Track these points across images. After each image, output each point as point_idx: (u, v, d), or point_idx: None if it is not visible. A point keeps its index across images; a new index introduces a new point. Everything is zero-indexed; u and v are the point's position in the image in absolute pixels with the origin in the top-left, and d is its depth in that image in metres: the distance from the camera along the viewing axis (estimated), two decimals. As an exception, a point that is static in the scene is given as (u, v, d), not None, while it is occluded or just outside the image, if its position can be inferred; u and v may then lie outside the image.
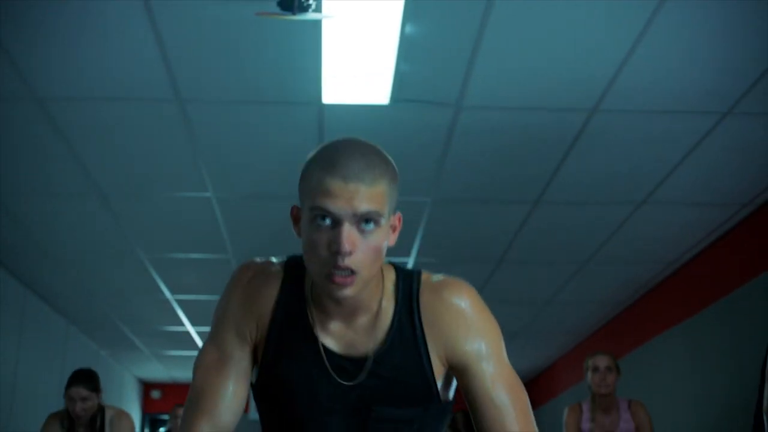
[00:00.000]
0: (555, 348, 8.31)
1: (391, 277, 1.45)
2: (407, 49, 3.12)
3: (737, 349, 4.65)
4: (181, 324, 7.24)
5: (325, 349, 1.42)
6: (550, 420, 9.03)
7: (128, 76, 3.30)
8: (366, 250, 1.29)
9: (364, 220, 1.28)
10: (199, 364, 1.48)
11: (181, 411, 6.47)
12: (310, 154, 1.36)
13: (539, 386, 9.61)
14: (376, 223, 1.29)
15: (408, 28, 2.98)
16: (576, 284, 5.98)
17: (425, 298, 1.42)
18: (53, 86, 3.35)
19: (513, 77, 3.33)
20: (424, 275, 1.46)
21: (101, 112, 3.56)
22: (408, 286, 1.43)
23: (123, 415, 4.34)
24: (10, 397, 5.80)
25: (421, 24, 2.97)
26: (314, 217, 1.28)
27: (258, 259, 1.52)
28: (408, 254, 5.32)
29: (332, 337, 1.43)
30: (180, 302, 6.54)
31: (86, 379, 4.15)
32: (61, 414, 4.32)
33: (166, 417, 10.00)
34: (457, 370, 1.42)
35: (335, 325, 1.42)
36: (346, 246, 1.26)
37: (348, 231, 1.26)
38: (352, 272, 1.28)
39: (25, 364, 6.07)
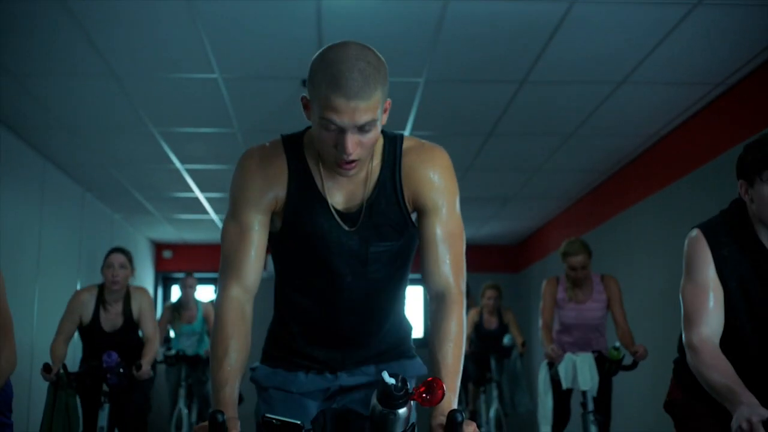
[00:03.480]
0: (545, 211, 8.65)
1: (380, 141, 1.85)
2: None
3: (707, 215, 4.97)
4: (191, 190, 7.53)
5: (332, 206, 1.82)
6: (539, 276, 9.54)
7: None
8: (365, 145, 1.68)
9: (363, 126, 1.64)
10: (224, 237, 1.86)
11: (190, 281, 6.98)
12: (317, 59, 1.67)
13: (530, 246, 10.01)
14: (373, 125, 1.66)
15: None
16: (562, 155, 6.25)
17: (406, 159, 1.84)
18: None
19: (498, -29, 3.53)
20: (407, 140, 1.88)
21: (115, 1, 3.77)
22: (393, 148, 1.85)
23: (143, 291, 4.90)
24: (35, 261, 6.20)
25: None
26: (323, 123, 1.64)
27: (257, 145, 1.89)
28: (403, 128, 5.59)
29: (337, 191, 1.84)
30: (189, 171, 6.82)
31: (124, 251, 4.72)
32: (90, 289, 4.78)
33: (177, 275, 10.41)
34: (419, 211, 1.86)
35: (339, 180, 1.83)
36: (350, 149, 1.65)
37: (351, 138, 1.64)
38: (355, 160, 1.69)
39: (47, 230, 6.41)
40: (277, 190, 1.82)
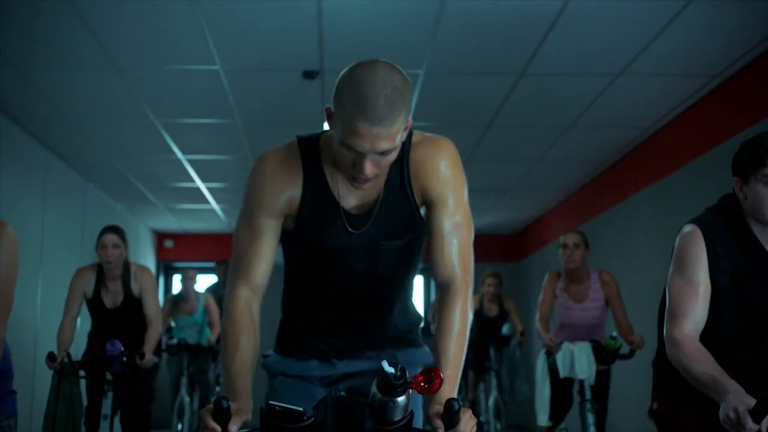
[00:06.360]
0: (545, 202, 8.68)
1: None
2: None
3: (706, 205, 5.00)
4: (192, 180, 7.57)
5: (344, 209, 1.87)
6: (538, 266, 9.60)
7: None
8: (382, 165, 1.72)
9: (382, 153, 1.67)
10: (236, 238, 1.90)
11: (191, 273, 7.01)
12: (345, 75, 1.67)
13: (530, 236, 10.04)
14: (392, 150, 1.69)
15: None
16: (561, 146, 6.28)
17: (414, 153, 1.87)
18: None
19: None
20: (416, 136, 1.90)
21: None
22: (401, 146, 1.84)
23: (145, 269, 4.92)
24: (38, 252, 6.24)
25: None
26: (344, 145, 1.67)
27: (273, 148, 1.91)
28: (403, 120, 5.61)
29: (351, 195, 1.88)
30: (191, 161, 6.85)
31: (117, 230, 4.72)
32: (91, 267, 4.82)
33: (178, 265, 10.44)
34: (427, 204, 1.90)
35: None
36: (367, 173, 1.69)
37: (369, 162, 1.68)
38: (370, 178, 1.73)
39: (50, 220, 6.45)
40: (292, 194, 1.86)
